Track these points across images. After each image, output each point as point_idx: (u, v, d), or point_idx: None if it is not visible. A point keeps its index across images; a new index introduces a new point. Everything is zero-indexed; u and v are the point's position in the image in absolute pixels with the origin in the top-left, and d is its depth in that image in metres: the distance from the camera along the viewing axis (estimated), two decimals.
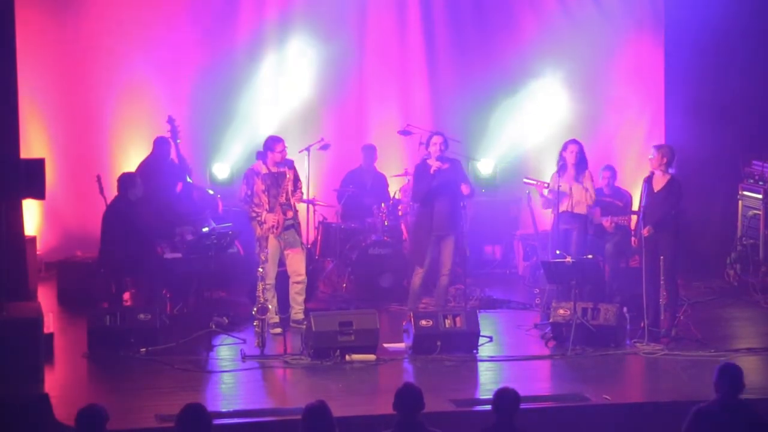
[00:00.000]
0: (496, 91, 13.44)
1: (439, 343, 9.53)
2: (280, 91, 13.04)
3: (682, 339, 9.99)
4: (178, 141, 11.05)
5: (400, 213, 12.01)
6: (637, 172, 12.84)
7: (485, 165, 13.27)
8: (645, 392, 9.09)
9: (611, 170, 11.87)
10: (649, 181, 10.11)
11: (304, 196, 10.79)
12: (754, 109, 13.08)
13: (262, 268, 9.83)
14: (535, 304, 11.32)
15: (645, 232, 10.00)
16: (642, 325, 9.91)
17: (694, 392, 8.58)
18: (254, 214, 10.25)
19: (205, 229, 10.61)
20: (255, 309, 9.57)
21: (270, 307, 9.84)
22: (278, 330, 10.01)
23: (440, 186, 10.37)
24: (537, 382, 9.19)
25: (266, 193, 10.24)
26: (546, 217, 11.34)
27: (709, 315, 11.12)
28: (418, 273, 10.53)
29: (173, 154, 11.23)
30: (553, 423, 8.15)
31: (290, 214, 10.27)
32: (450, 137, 12.04)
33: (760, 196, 12.22)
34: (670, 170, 10.13)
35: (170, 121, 10.96)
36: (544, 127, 13.42)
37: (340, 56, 13.20)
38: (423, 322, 9.59)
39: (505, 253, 13.15)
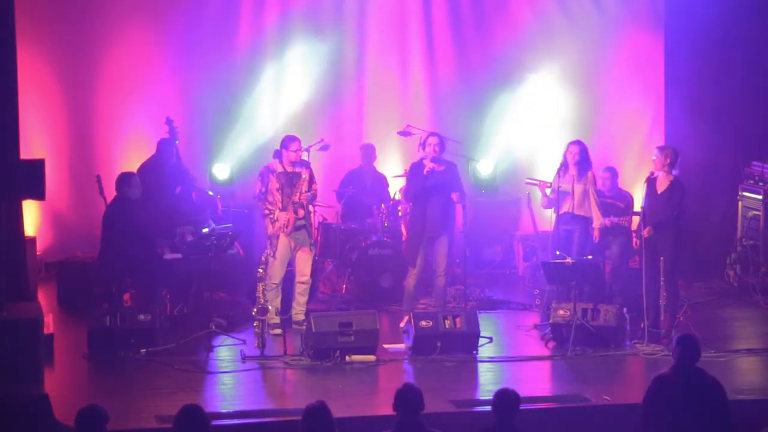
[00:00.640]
0: (496, 92, 13.43)
1: (439, 344, 9.53)
2: (280, 91, 13.03)
3: None
4: (177, 142, 11.05)
5: (400, 213, 12.00)
6: (637, 173, 12.84)
7: (485, 165, 13.26)
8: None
9: (611, 171, 11.86)
10: (652, 182, 10.11)
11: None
12: (754, 110, 13.08)
13: (262, 268, 9.83)
14: (535, 305, 11.32)
15: (645, 233, 10.00)
16: (642, 325, 9.91)
17: None
18: (267, 211, 10.27)
19: (205, 230, 10.61)
20: (255, 310, 9.57)
21: (270, 307, 9.84)
22: (278, 331, 10.01)
23: (433, 187, 10.35)
24: (537, 382, 9.19)
25: (280, 191, 10.25)
26: (546, 218, 11.34)
27: (709, 315, 11.13)
28: (412, 274, 10.51)
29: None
30: (553, 424, 8.15)
31: (301, 213, 10.26)
32: (450, 137, 12.07)
33: (759, 197, 12.21)
34: (674, 171, 10.12)
35: (169, 122, 10.96)
36: (544, 128, 13.41)
37: (339, 57, 13.20)
38: (423, 323, 9.59)
39: (505, 253, 13.14)
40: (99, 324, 9.55)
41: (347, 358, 9.31)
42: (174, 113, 11.31)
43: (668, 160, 10.10)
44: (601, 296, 10.40)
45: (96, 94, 12.64)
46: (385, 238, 11.84)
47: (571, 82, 13.50)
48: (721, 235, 12.83)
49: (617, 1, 13.63)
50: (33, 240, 11.42)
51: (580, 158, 10.61)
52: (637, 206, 11.31)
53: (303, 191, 10.26)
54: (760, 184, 12.28)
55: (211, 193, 12.16)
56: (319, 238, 12.22)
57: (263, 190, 10.31)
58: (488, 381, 9.05)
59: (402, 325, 10.35)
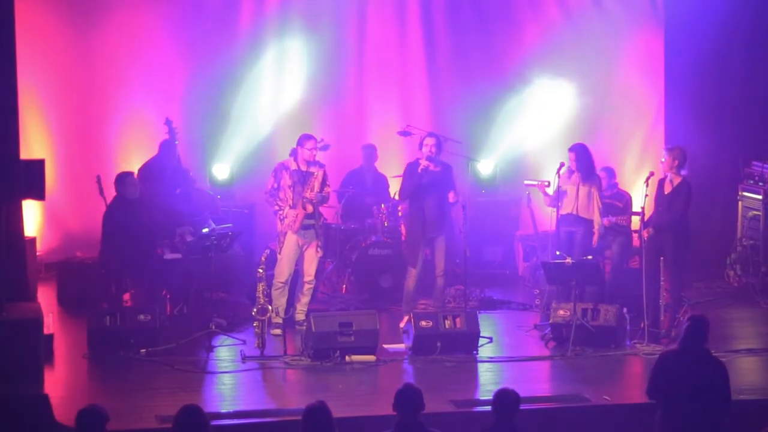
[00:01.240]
0: (496, 92, 13.42)
1: (439, 344, 9.53)
2: (280, 91, 13.02)
3: None
4: (177, 142, 11.05)
5: (400, 213, 12.00)
6: (637, 173, 12.84)
7: (485, 165, 13.25)
8: (645, 393, 9.07)
9: (608, 171, 11.86)
10: (660, 183, 10.14)
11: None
12: (754, 110, 13.08)
13: (262, 268, 9.83)
14: (535, 305, 11.32)
15: (645, 233, 10.01)
16: (642, 325, 9.91)
17: None
18: (277, 208, 10.27)
19: (205, 230, 10.61)
20: (255, 310, 9.57)
21: (271, 307, 9.83)
22: (278, 331, 10.01)
23: (428, 186, 10.36)
24: (537, 383, 9.20)
25: (292, 189, 10.25)
26: (546, 218, 11.34)
27: (709, 315, 11.07)
28: (412, 274, 10.52)
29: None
30: (553, 424, 8.16)
31: (310, 209, 10.22)
32: (450, 138, 12.06)
33: (760, 197, 12.21)
34: (683, 172, 10.13)
35: (168, 122, 10.96)
36: (544, 128, 13.40)
37: (339, 56, 13.19)
38: (423, 323, 9.59)
39: (505, 253, 13.13)
40: (99, 324, 9.55)
41: (347, 358, 9.31)
42: (174, 113, 11.31)
43: (676, 162, 10.12)
44: (601, 296, 10.41)
45: (96, 94, 12.64)
46: (385, 238, 11.84)
47: (571, 82, 13.48)
48: (721, 235, 12.83)
49: (618, 1, 13.63)
50: (33, 240, 11.41)
51: (578, 164, 10.62)
52: (637, 206, 11.32)
53: (314, 189, 10.24)
54: (760, 184, 12.28)
55: (211, 192, 12.16)
56: None
57: (275, 186, 10.31)
58: (488, 381, 9.05)
59: (402, 325, 10.36)
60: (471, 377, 9.23)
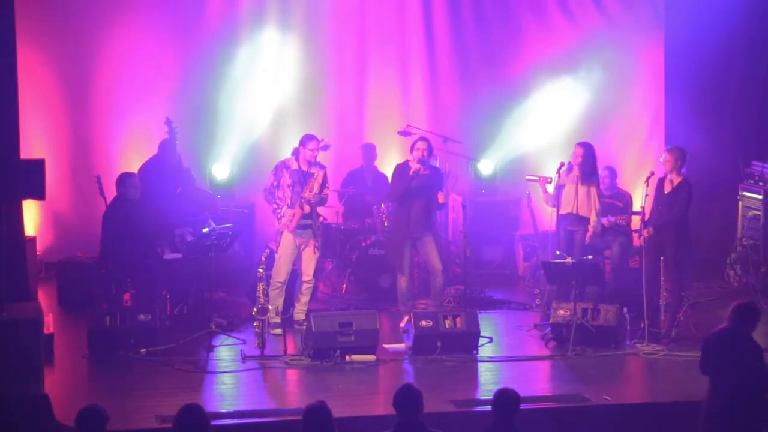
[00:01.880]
0: (496, 92, 13.42)
1: (439, 344, 9.54)
2: (280, 91, 13.02)
3: (682, 339, 10.00)
4: (177, 142, 11.04)
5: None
6: (637, 173, 12.84)
7: (485, 165, 13.25)
8: (645, 393, 9.10)
9: (611, 170, 11.88)
10: (660, 182, 10.14)
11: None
12: (754, 110, 13.08)
13: (262, 268, 9.83)
14: (535, 305, 11.32)
15: (645, 233, 10.01)
16: (642, 325, 9.91)
17: (694, 392, 8.58)
18: (275, 206, 10.27)
19: (205, 230, 10.61)
20: (255, 309, 9.57)
21: (270, 307, 9.83)
22: (278, 330, 10.01)
23: (418, 188, 10.38)
24: (537, 382, 9.20)
25: (291, 188, 10.25)
26: (547, 218, 11.34)
27: (709, 315, 11.12)
28: (401, 278, 10.54)
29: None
30: (553, 424, 8.16)
31: (307, 209, 10.23)
32: (450, 138, 12.07)
33: (760, 197, 12.22)
34: (682, 171, 10.15)
35: (168, 122, 10.96)
36: (544, 128, 13.41)
37: (340, 56, 13.19)
38: (423, 323, 9.59)
39: (505, 253, 13.14)
40: (99, 324, 9.55)
41: (347, 358, 9.31)
42: (173, 113, 11.31)
43: (678, 162, 10.13)
44: (601, 296, 10.41)
45: (96, 94, 12.64)
46: (385, 238, 11.83)
47: (571, 82, 13.48)
48: (721, 235, 12.84)
49: (618, 2, 13.63)
50: (33, 240, 11.42)
51: (582, 161, 10.62)
52: (637, 206, 11.32)
53: (312, 190, 10.24)
54: (760, 184, 12.29)
55: (210, 192, 12.16)
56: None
57: (275, 184, 10.31)
58: (488, 381, 9.05)
59: (402, 325, 10.36)
60: (471, 377, 9.23)
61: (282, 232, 10.24)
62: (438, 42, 13.45)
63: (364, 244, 11.81)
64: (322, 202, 10.46)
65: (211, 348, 9.67)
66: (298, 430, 6.13)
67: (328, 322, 9.43)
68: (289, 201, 10.24)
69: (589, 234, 10.65)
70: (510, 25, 13.53)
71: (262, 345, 9.45)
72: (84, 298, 10.88)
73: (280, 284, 10.23)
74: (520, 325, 10.75)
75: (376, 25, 13.30)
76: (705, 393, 7.50)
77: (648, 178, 10.26)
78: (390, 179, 10.98)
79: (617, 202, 11.69)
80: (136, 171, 11.05)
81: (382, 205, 11.93)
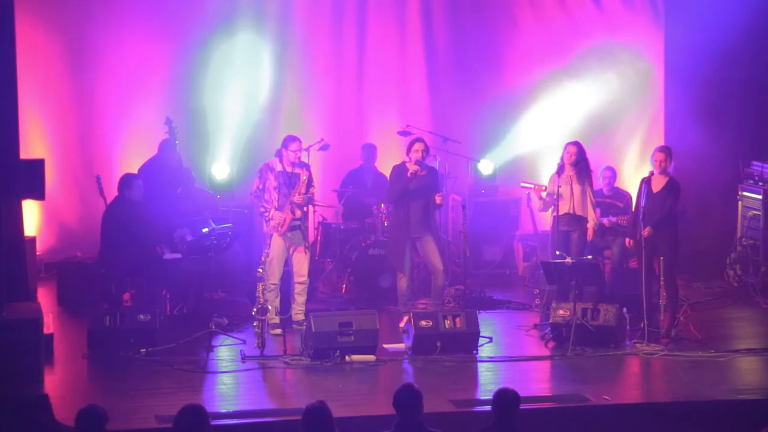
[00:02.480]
0: (496, 92, 13.43)
1: (438, 344, 9.53)
2: (280, 91, 13.02)
3: (681, 339, 10.00)
4: (177, 142, 11.05)
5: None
6: (637, 173, 12.83)
7: (485, 165, 13.25)
8: (645, 393, 9.09)
9: (612, 171, 11.87)
10: (647, 182, 10.13)
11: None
12: (754, 110, 13.08)
13: (262, 268, 9.83)
14: (535, 305, 11.32)
15: (645, 233, 10.01)
16: (641, 325, 9.91)
17: (694, 392, 8.60)
18: (262, 209, 10.27)
19: (205, 230, 10.61)
20: (255, 309, 9.57)
21: (270, 307, 9.84)
22: (278, 331, 10.01)
23: (416, 189, 10.40)
24: (537, 382, 9.20)
25: (277, 190, 10.25)
26: (546, 218, 11.34)
27: (709, 315, 11.13)
28: (402, 278, 10.55)
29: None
30: (553, 424, 8.15)
31: (299, 214, 10.26)
32: (450, 138, 12.08)
33: (759, 197, 12.22)
34: (669, 170, 10.18)
35: (168, 122, 10.96)
36: (545, 128, 13.41)
37: (339, 56, 13.20)
38: (423, 323, 9.59)
39: (505, 253, 13.14)
40: (99, 324, 9.54)
41: (347, 358, 9.31)
42: (173, 113, 11.32)
43: (670, 161, 10.15)
44: (601, 296, 10.41)
45: (96, 94, 12.64)
46: (385, 238, 11.82)
47: (571, 82, 13.49)
48: (721, 235, 12.83)
49: (618, 2, 13.63)
50: (33, 240, 11.42)
51: (576, 159, 10.62)
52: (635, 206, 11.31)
53: (301, 193, 10.26)
54: (760, 184, 12.28)
55: (210, 192, 12.16)
56: (319, 238, 12.24)
57: (260, 187, 10.31)
58: (488, 381, 9.04)
59: (402, 325, 10.35)
60: (471, 377, 9.22)
61: (272, 236, 10.23)
62: (438, 42, 13.45)
63: (364, 244, 11.81)
64: (309, 201, 10.50)
65: (211, 348, 9.67)
66: (298, 430, 6.13)
67: (328, 322, 9.43)
68: (276, 203, 10.24)
69: (589, 233, 10.65)
70: (510, 25, 13.53)
71: (262, 345, 9.45)
72: (84, 298, 10.89)
73: (274, 286, 10.24)
74: (520, 325, 10.75)
75: (376, 24, 13.30)
76: None
77: (644, 178, 10.25)
78: (387, 179, 11.04)
79: (617, 202, 11.69)
80: (136, 171, 11.06)
81: (382, 205, 11.92)
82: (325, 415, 6.13)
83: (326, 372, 9.11)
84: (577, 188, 10.61)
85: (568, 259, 10.05)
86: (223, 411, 8.10)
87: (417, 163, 10.41)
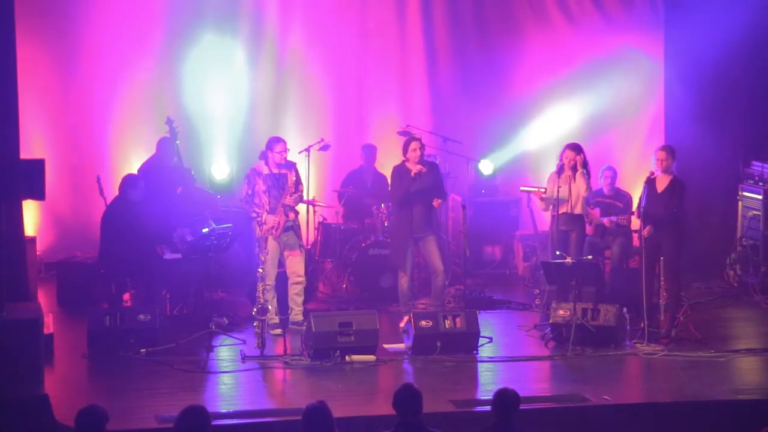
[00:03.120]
0: (496, 92, 13.43)
1: (438, 344, 9.53)
2: (280, 91, 13.02)
3: (681, 340, 10.00)
4: (177, 142, 11.05)
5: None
6: (637, 173, 12.83)
7: (485, 165, 13.26)
8: (645, 393, 9.09)
9: (612, 171, 11.87)
10: (651, 182, 10.13)
11: (304, 197, 10.82)
12: (754, 110, 13.08)
13: (262, 268, 9.83)
14: (535, 305, 11.32)
15: (645, 232, 10.01)
16: (641, 325, 9.91)
17: (694, 393, 8.60)
18: (254, 214, 10.26)
19: (205, 230, 10.61)
20: (255, 309, 9.57)
21: (270, 307, 9.84)
22: (278, 331, 10.01)
23: (419, 189, 10.39)
24: (537, 382, 9.19)
25: (267, 193, 10.25)
26: (546, 218, 11.34)
27: (709, 315, 11.13)
28: (403, 277, 10.55)
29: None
30: (553, 423, 8.15)
31: (292, 216, 10.28)
32: (450, 138, 12.07)
33: (759, 197, 12.22)
34: (673, 169, 10.18)
35: (169, 122, 10.96)
36: (545, 128, 13.41)
37: (340, 56, 13.20)
38: (423, 323, 9.59)
39: (505, 253, 13.14)
40: (99, 324, 9.54)
41: (347, 358, 9.31)
42: (174, 113, 11.32)
43: (672, 160, 10.14)
44: (601, 296, 10.41)
45: (96, 94, 12.64)
46: (385, 238, 11.83)
47: (571, 82, 13.49)
48: (721, 235, 12.84)
49: (618, 3, 13.63)
50: (33, 240, 11.41)
51: (576, 164, 10.60)
52: (634, 206, 11.31)
53: (291, 194, 10.25)
54: (760, 184, 12.29)
55: (210, 192, 12.16)
56: (319, 238, 12.23)
57: (250, 192, 10.29)
58: (488, 381, 9.04)
59: (402, 325, 10.35)
60: (471, 377, 9.22)
61: (266, 239, 10.22)
62: (438, 42, 13.45)
63: (364, 244, 11.81)
64: (299, 200, 10.49)
65: (211, 348, 9.67)
66: (298, 430, 6.13)
67: (328, 322, 9.43)
68: (267, 206, 10.23)
69: (589, 229, 10.64)
70: (510, 25, 13.53)
71: (262, 345, 9.45)
72: (84, 298, 10.88)
73: (269, 287, 10.24)
74: (520, 325, 10.75)
75: (376, 24, 13.30)
76: None
77: (648, 179, 10.25)
78: (389, 181, 11.04)
79: (617, 202, 11.68)
80: (135, 171, 11.06)
81: (382, 205, 11.92)
82: (325, 415, 6.13)
83: (326, 372, 9.11)
84: (574, 186, 10.61)
85: (568, 259, 10.05)
86: (223, 411, 8.10)
87: (420, 163, 10.41)
